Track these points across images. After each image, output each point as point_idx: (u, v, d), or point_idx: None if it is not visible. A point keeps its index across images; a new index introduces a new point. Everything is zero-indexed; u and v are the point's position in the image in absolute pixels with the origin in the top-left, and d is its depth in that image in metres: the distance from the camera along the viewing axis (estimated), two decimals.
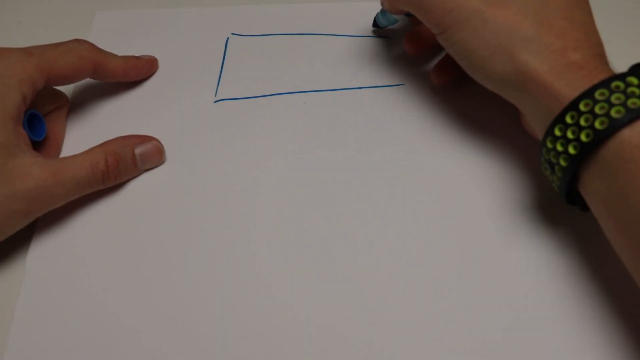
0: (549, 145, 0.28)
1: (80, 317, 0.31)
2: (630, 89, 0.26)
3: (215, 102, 0.39)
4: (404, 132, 0.37)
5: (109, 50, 0.37)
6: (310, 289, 0.31)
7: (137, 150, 0.35)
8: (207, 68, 0.40)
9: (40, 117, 0.35)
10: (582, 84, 0.27)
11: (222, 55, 0.41)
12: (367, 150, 0.36)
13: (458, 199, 0.34)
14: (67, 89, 0.38)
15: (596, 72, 0.27)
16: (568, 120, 0.26)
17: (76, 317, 0.31)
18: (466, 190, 0.34)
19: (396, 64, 0.40)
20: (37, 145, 0.35)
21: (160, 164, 0.36)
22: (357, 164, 0.36)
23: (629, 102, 0.25)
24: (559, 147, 0.27)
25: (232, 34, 0.42)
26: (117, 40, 0.41)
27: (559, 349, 0.29)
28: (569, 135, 0.26)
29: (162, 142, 0.36)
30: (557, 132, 0.27)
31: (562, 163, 0.27)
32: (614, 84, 0.26)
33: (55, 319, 0.31)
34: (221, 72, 0.40)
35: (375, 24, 0.41)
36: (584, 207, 0.29)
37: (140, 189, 0.35)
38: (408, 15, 0.35)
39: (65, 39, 0.35)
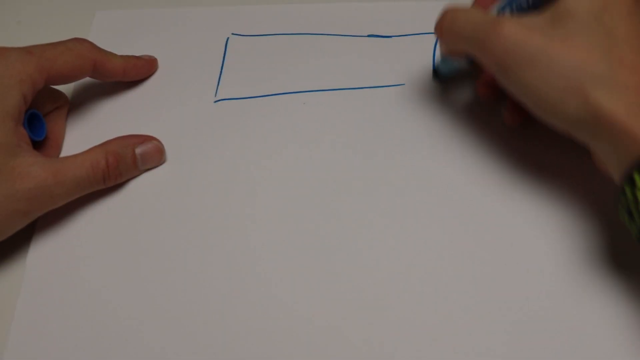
0: (629, 194, 0.25)
1: (80, 317, 0.31)
2: None
3: (215, 102, 0.39)
4: (404, 132, 0.37)
5: (109, 50, 0.37)
6: (310, 289, 0.31)
7: (138, 150, 0.35)
8: (207, 68, 0.40)
9: (41, 117, 0.35)
10: None
11: (222, 55, 0.41)
12: (367, 150, 0.36)
13: (457, 198, 0.34)
14: (67, 89, 0.38)
15: None
16: None
17: (76, 317, 0.31)
18: (463, 188, 0.34)
19: (396, 64, 0.40)
20: (37, 145, 0.35)
21: (161, 164, 0.36)
22: (357, 164, 0.35)
23: None
24: None
25: (232, 34, 0.42)
26: (117, 40, 0.41)
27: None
28: None
29: (162, 142, 0.36)
30: (638, 180, 0.25)
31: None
32: None
33: (55, 319, 0.31)
34: (221, 72, 0.40)
35: (435, 74, 0.38)
36: None
37: (140, 189, 0.35)
38: (469, 61, 0.34)
39: (65, 39, 0.35)
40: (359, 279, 0.32)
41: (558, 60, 0.27)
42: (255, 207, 0.34)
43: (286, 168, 0.36)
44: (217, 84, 0.40)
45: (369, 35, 0.41)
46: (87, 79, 0.37)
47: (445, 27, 0.31)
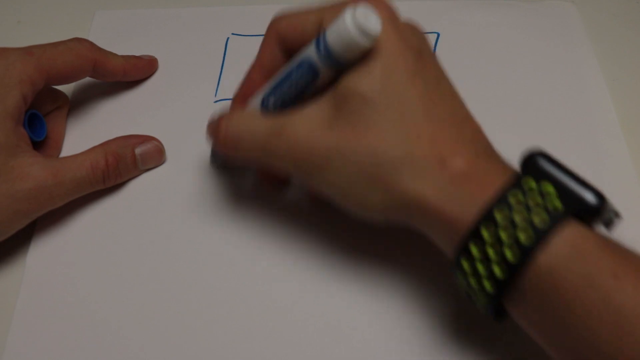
0: (461, 280, 0.24)
1: (80, 317, 0.31)
2: (531, 199, 0.22)
3: (215, 102, 0.39)
4: None
5: (108, 50, 0.37)
6: (310, 290, 0.31)
7: (138, 150, 0.35)
8: (207, 68, 0.40)
9: (41, 117, 0.35)
10: (475, 202, 0.23)
11: (222, 55, 0.41)
12: None
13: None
14: (67, 89, 0.38)
15: (487, 179, 0.23)
16: (474, 251, 0.23)
17: (76, 317, 0.31)
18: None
19: None
20: (38, 145, 0.35)
21: (161, 164, 0.36)
22: None
23: (536, 219, 0.22)
24: (473, 283, 0.23)
25: (232, 34, 0.42)
26: (117, 40, 0.41)
27: None
28: (480, 269, 0.23)
29: (162, 142, 0.36)
30: (466, 267, 0.23)
31: (481, 300, 0.24)
32: (511, 196, 0.22)
33: (54, 319, 0.31)
34: (221, 72, 0.40)
35: (213, 160, 0.36)
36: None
37: (140, 189, 0.35)
38: None
39: (65, 39, 0.35)
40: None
41: (351, 156, 0.25)
42: (256, 208, 0.34)
43: None
44: (217, 84, 0.40)
45: None
46: (87, 79, 0.37)
47: (225, 142, 0.29)
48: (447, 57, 0.39)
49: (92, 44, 0.36)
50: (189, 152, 0.37)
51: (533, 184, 0.23)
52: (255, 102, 0.29)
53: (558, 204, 0.22)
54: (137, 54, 0.40)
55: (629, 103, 0.38)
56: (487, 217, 0.22)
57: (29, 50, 0.33)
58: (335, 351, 0.29)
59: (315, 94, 0.27)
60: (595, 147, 0.35)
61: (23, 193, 0.30)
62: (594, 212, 0.23)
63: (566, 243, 0.22)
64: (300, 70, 0.26)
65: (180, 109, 0.38)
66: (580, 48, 0.41)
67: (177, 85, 0.40)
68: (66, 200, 0.32)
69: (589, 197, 0.23)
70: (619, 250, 0.22)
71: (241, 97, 0.31)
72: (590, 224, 0.23)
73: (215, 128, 0.29)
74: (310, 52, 0.26)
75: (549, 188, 0.23)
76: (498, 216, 0.22)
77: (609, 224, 0.24)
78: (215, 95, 0.39)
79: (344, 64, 0.25)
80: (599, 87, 0.39)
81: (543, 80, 0.39)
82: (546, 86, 0.38)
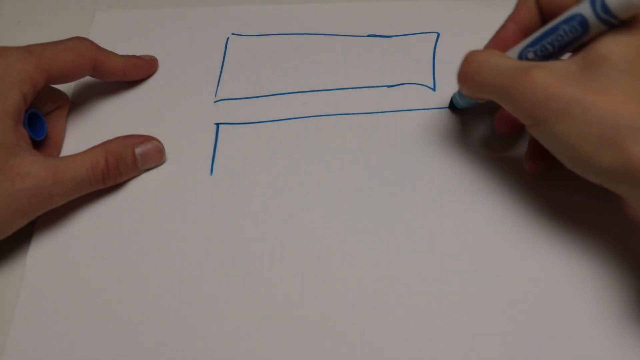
0: None
1: (80, 317, 0.31)
2: None
3: (215, 102, 0.39)
4: (402, 132, 0.37)
5: (108, 50, 0.37)
6: (311, 291, 0.31)
7: (138, 150, 0.35)
8: (207, 68, 0.40)
9: (41, 117, 0.35)
10: None
11: (222, 55, 0.41)
12: (368, 151, 0.36)
13: (452, 202, 0.34)
14: (67, 88, 0.38)
15: None
16: None
17: (76, 317, 0.31)
18: (456, 190, 0.34)
19: (397, 64, 0.40)
20: (38, 144, 0.35)
21: (161, 164, 0.36)
22: (359, 164, 0.36)
23: None
24: None
25: (232, 34, 0.42)
26: (117, 40, 0.41)
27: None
28: None
29: (162, 142, 0.36)
30: None
31: None
32: None
33: (55, 319, 0.31)
34: (221, 72, 0.40)
35: (452, 105, 0.37)
36: None
37: (140, 189, 0.35)
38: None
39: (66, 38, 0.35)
40: (360, 283, 0.32)
41: (593, 111, 0.25)
42: (256, 206, 0.34)
43: (286, 167, 0.36)
44: (217, 84, 0.40)
45: (369, 35, 0.41)
46: (87, 79, 0.37)
47: (469, 76, 0.30)
48: (447, 57, 0.40)
49: (92, 43, 0.36)
50: (189, 152, 0.37)
51: None
52: (512, 53, 0.30)
53: None
54: (137, 53, 0.40)
55: None
56: None
57: (28, 50, 0.33)
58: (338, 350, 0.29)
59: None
60: None
61: (23, 192, 0.30)
62: None
63: None
64: (569, 24, 0.27)
65: (180, 109, 0.38)
66: None
67: (177, 85, 0.40)
68: (66, 200, 0.32)
69: None
70: None
71: (493, 44, 0.32)
72: None
73: (464, 64, 0.30)
74: (582, 8, 0.27)
75: None
76: None
77: None
78: (215, 95, 0.39)
79: (616, 24, 0.26)
80: None
81: None
82: None
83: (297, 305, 0.31)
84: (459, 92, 0.35)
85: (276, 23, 0.42)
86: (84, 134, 0.37)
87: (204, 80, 0.40)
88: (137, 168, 0.35)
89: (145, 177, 0.36)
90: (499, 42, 0.32)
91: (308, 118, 0.38)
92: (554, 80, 0.26)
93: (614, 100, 0.25)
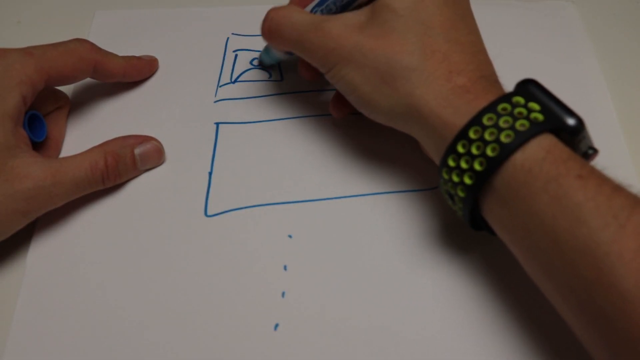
0: (445, 176, 0.27)
1: (80, 317, 0.31)
2: (517, 110, 0.25)
3: (215, 102, 0.39)
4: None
5: (109, 50, 0.37)
6: (311, 292, 0.31)
7: (137, 151, 0.35)
8: (207, 68, 0.40)
9: (41, 118, 0.35)
10: (470, 110, 0.26)
11: (222, 55, 0.41)
12: (369, 151, 0.36)
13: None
14: (67, 89, 0.38)
15: (483, 94, 0.27)
16: (460, 149, 0.26)
17: (76, 317, 0.31)
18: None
19: None
20: (38, 145, 0.35)
21: (160, 164, 0.36)
22: (359, 164, 0.36)
23: (517, 124, 0.25)
24: (455, 178, 0.26)
25: (232, 34, 0.42)
26: (117, 40, 0.41)
27: None
28: (463, 165, 0.26)
29: (162, 142, 0.36)
30: (451, 163, 0.26)
31: (460, 194, 0.26)
32: (500, 107, 0.25)
33: (55, 319, 0.31)
34: (221, 72, 0.40)
35: (260, 63, 0.40)
36: (492, 232, 0.28)
37: (140, 189, 0.35)
38: (290, 53, 0.35)
39: (65, 39, 0.35)
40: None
41: (370, 55, 0.28)
42: (254, 208, 0.34)
43: (286, 167, 0.36)
44: (217, 84, 0.40)
45: None
46: (87, 79, 0.37)
47: (271, 31, 0.33)
48: None
49: (92, 45, 0.36)
50: (188, 152, 0.37)
51: (522, 100, 0.26)
52: (308, 9, 0.33)
53: (540, 116, 0.25)
54: (137, 54, 0.40)
55: (629, 103, 0.38)
56: (476, 121, 0.25)
57: (28, 51, 0.33)
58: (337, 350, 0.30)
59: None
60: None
61: (22, 193, 0.30)
62: (574, 132, 0.25)
63: (541, 148, 0.24)
64: None
65: (180, 109, 0.39)
66: (580, 48, 0.41)
67: (177, 85, 0.40)
68: (65, 201, 0.32)
69: (569, 119, 0.25)
70: (587, 163, 0.25)
71: (295, 1, 0.34)
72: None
73: (265, 21, 0.33)
74: None
75: (535, 106, 0.26)
76: (486, 120, 0.25)
77: (586, 156, 0.27)
78: (215, 95, 0.39)
79: None
80: (599, 87, 0.39)
81: (542, 80, 0.38)
82: (546, 86, 0.38)
83: (298, 305, 0.31)
84: (265, 50, 0.38)
85: None
86: (83, 134, 0.37)
87: (204, 80, 0.40)
88: (137, 168, 0.35)
89: (145, 177, 0.36)
90: (297, 1, 0.34)
91: (308, 118, 0.38)
92: (342, 31, 0.29)
93: (390, 44, 0.28)
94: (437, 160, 0.28)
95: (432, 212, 0.34)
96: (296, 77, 0.40)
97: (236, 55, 0.41)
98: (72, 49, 0.34)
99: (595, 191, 0.23)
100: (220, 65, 0.41)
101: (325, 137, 0.37)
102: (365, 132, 0.37)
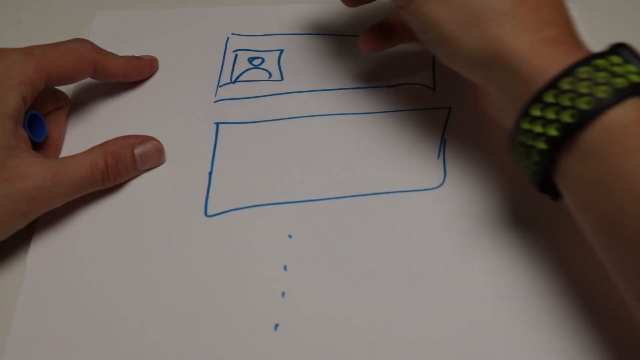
0: (525, 126, 0.25)
1: (80, 317, 0.31)
2: (615, 68, 0.24)
3: (215, 102, 0.39)
4: (402, 132, 0.37)
5: (109, 50, 0.37)
6: (311, 292, 0.31)
7: (137, 151, 0.35)
8: (207, 68, 0.40)
9: (41, 118, 0.35)
10: (563, 61, 0.25)
11: (222, 55, 0.41)
12: (368, 151, 0.36)
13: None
14: (67, 89, 0.38)
15: (575, 48, 0.26)
16: (549, 99, 0.24)
17: (76, 317, 0.31)
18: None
19: (397, 64, 0.40)
20: (38, 145, 0.35)
21: (160, 164, 0.36)
22: (359, 163, 0.36)
23: (616, 81, 0.24)
24: (538, 129, 0.25)
25: (232, 34, 0.42)
26: (117, 40, 0.41)
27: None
28: (550, 115, 0.24)
29: (162, 142, 0.36)
30: (536, 112, 0.25)
31: (541, 146, 0.25)
32: (598, 62, 0.24)
33: (55, 319, 0.31)
34: (221, 72, 0.40)
35: None
36: (556, 196, 0.27)
37: (140, 189, 0.35)
38: None
39: (65, 39, 0.35)
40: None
41: None
42: (253, 208, 0.34)
43: (286, 167, 0.36)
44: (217, 84, 0.40)
45: None
46: (87, 79, 0.37)
47: None
48: None
49: (92, 45, 0.36)
50: (188, 152, 0.37)
51: (619, 60, 0.25)
52: None
53: (637, 78, 0.24)
54: (137, 54, 0.40)
55: None
56: (570, 72, 0.24)
57: (28, 51, 0.33)
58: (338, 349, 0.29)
59: None
60: None
61: (22, 193, 0.30)
62: None
63: (635, 109, 0.23)
64: None
65: (180, 109, 0.39)
66: None
67: (177, 85, 0.40)
68: (65, 201, 0.32)
69: None
70: None
71: None
72: None
73: None
74: None
75: (632, 68, 0.24)
76: (582, 73, 0.24)
77: None
78: (215, 95, 0.39)
79: None
80: None
81: None
82: None
83: (298, 305, 0.31)
84: None
85: (276, 23, 0.42)
86: (84, 134, 0.37)
87: (204, 80, 0.40)
88: (137, 168, 0.35)
89: (145, 177, 0.36)
90: None
91: (308, 118, 0.38)
92: None
93: None
94: (511, 112, 0.27)
95: (433, 213, 0.34)
96: (296, 77, 0.40)
97: (236, 55, 0.41)
98: (72, 49, 0.34)
99: None
100: (220, 65, 0.41)
101: (326, 137, 0.37)
102: (366, 132, 0.37)
